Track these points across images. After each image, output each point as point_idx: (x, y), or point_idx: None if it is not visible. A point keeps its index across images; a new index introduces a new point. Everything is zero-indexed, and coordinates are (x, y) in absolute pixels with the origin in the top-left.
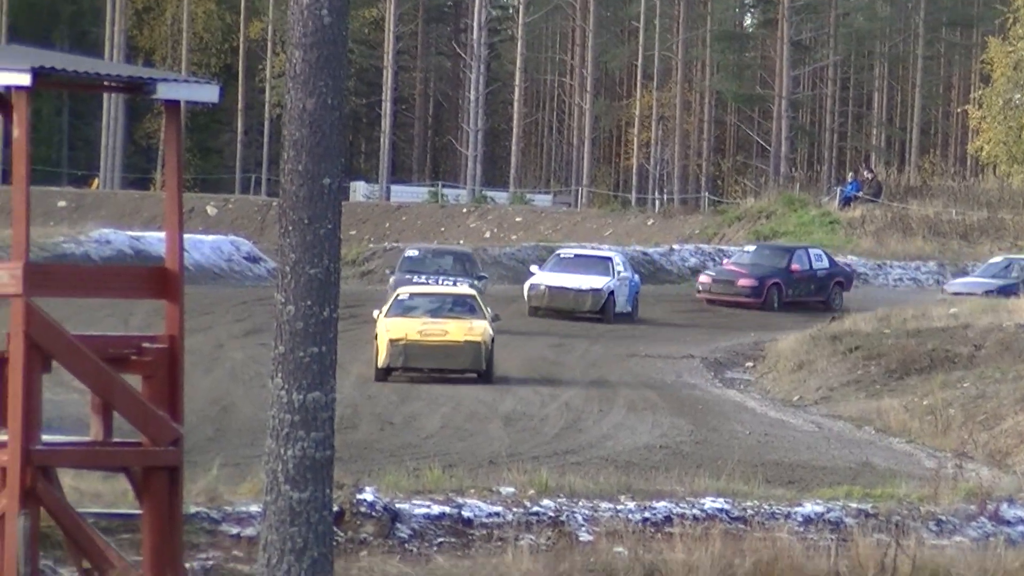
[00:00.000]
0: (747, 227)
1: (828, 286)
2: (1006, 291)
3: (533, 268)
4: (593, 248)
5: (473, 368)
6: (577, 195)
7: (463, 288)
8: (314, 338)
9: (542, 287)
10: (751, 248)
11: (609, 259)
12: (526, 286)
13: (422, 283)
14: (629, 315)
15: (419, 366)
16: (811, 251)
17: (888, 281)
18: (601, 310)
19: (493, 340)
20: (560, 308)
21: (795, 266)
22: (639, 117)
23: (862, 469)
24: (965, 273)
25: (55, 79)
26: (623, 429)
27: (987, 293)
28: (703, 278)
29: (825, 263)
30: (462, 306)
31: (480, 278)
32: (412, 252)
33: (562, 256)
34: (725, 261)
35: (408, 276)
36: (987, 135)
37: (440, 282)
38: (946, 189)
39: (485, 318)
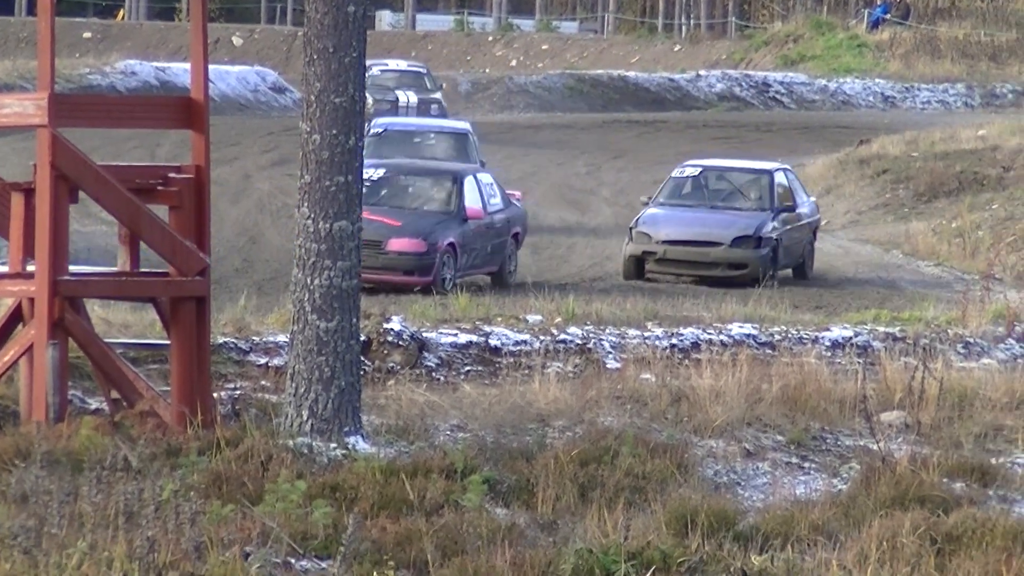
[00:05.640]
0: (774, 52)
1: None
2: None
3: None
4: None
5: None
6: (604, 21)
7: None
8: (340, 167)
9: None
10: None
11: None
12: None
13: None
14: None
15: None
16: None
17: (916, 104)
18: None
19: None
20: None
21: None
22: None
23: (890, 293)
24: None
25: None
26: None
27: None
28: None
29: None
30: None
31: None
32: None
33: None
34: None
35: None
36: None
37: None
38: (975, 10)
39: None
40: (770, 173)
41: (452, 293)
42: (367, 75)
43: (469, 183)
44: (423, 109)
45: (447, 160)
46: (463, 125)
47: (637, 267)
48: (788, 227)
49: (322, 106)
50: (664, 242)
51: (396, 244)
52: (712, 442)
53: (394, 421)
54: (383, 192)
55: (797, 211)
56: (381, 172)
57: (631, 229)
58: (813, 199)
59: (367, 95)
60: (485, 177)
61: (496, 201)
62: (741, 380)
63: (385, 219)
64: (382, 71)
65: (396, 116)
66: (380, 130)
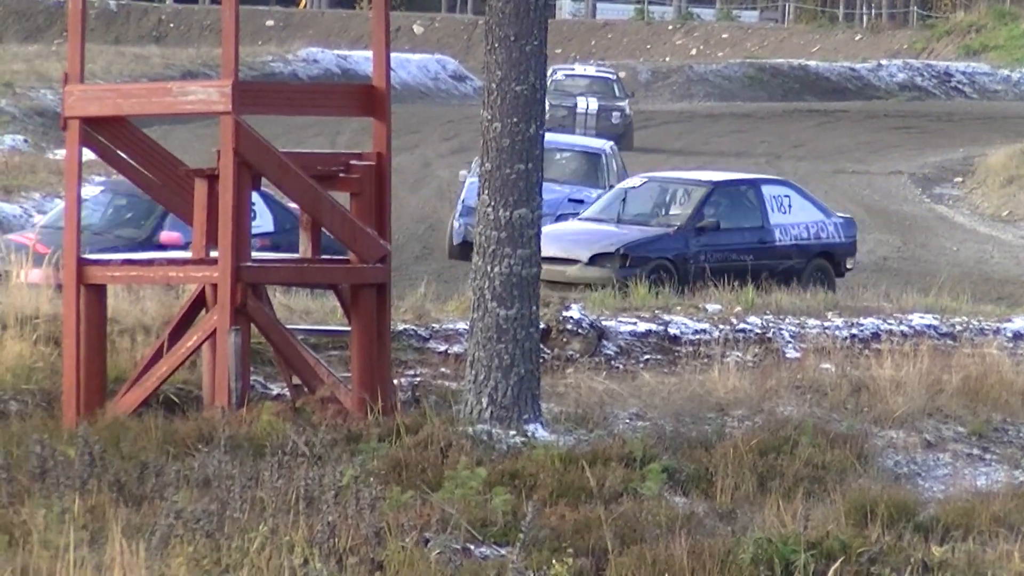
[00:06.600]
0: (956, 41)
1: None
2: None
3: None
4: None
5: None
6: (784, 10)
7: None
8: (520, 155)
9: None
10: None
11: None
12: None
13: None
14: None
15: None
16: None
17: None
18: None
19: None
20: None
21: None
22: None
23: None
24: None
25: None
26: None
27: None
28: None
29: None
30: None
31: None
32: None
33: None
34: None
35: None
36: None
37: None
38: None
39: None
40: (711, 186)
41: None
42: (551, 80)
43: None
44: (603, 118)
45: (575, 183)
46: (598, 144)
47: None
48: (715, 247)
49: (503, 94)
50: None
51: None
52: (892, 433)
53: (573, 409)
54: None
55: (761, 230)
56: (98, 190)
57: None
58: (837, 220)
59: (545, 100)
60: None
61: (260, 223)
62: (922, 371)
63: (36, 245)
64: (567, 76)
65: (574, 123)
66: None
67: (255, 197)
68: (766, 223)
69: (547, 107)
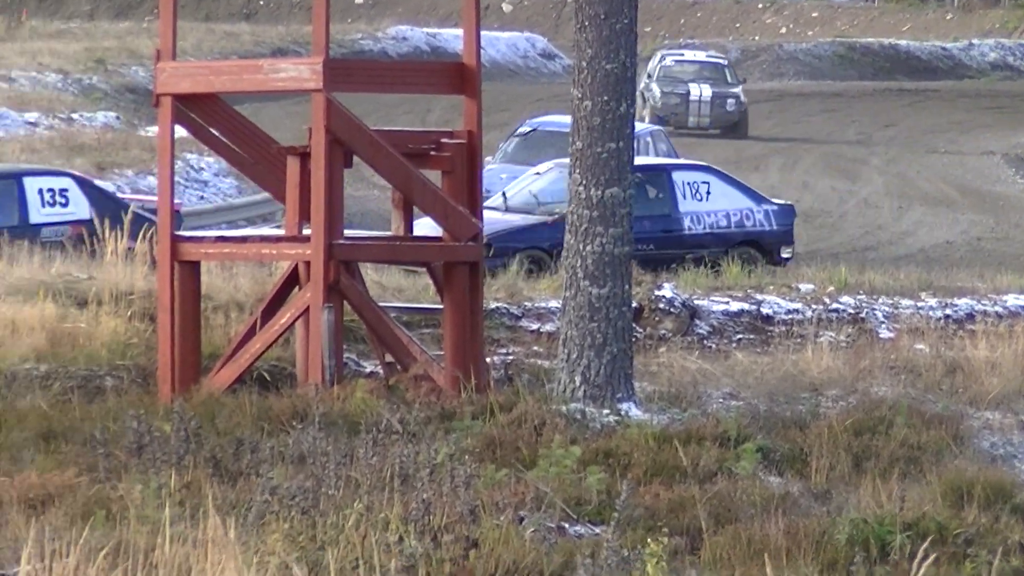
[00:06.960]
0: None
1: None
2: None
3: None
4: None
5: None
6: None
7: None
8: (611, 133)
9: None
10: None
11: None
12: None
13: None
14: None
15: None
16: None
17: None
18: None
19: None
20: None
21: None
22: None
23: None
24: None
25: None
26: (922, 226)
27: None
28: None
29: None
30: None
31: None
32: None
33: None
34: None
35: None
36: None
37: None
38: None
39: None
40: None
41: None
42: (659, 66)
43: None
44: (717, 105)
45: None
46: (636, 128)
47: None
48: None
49: (593, 72)
50: None
51: None
52: (988, 414)
53: (666, 388)
54: None
55: (667, 218)
56: None
57: None
58: (770, 207)
59: (655, 88)
60: (57, 182)
61: (56, 210)
62: (1017, 351)
63: None
64: (676, 62)
65: (687, 112)
66: (528, 130)
67: (69, 183)
68: (674, 211)
69: (659, 95)
